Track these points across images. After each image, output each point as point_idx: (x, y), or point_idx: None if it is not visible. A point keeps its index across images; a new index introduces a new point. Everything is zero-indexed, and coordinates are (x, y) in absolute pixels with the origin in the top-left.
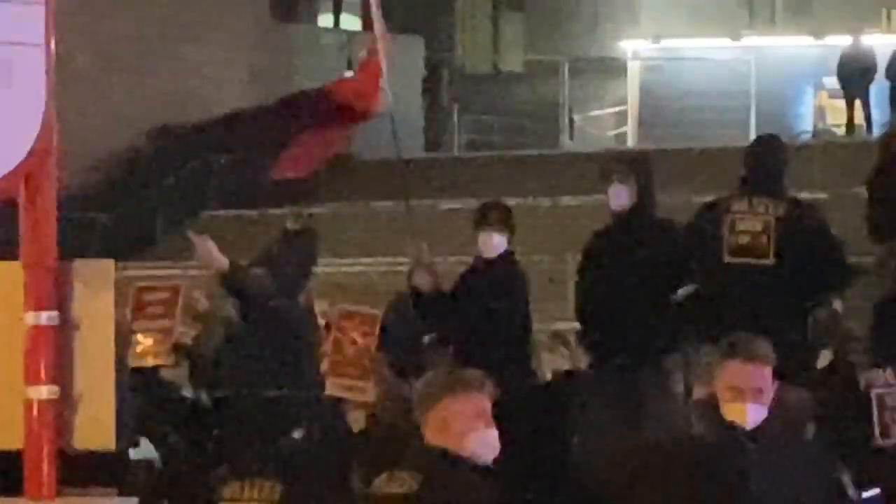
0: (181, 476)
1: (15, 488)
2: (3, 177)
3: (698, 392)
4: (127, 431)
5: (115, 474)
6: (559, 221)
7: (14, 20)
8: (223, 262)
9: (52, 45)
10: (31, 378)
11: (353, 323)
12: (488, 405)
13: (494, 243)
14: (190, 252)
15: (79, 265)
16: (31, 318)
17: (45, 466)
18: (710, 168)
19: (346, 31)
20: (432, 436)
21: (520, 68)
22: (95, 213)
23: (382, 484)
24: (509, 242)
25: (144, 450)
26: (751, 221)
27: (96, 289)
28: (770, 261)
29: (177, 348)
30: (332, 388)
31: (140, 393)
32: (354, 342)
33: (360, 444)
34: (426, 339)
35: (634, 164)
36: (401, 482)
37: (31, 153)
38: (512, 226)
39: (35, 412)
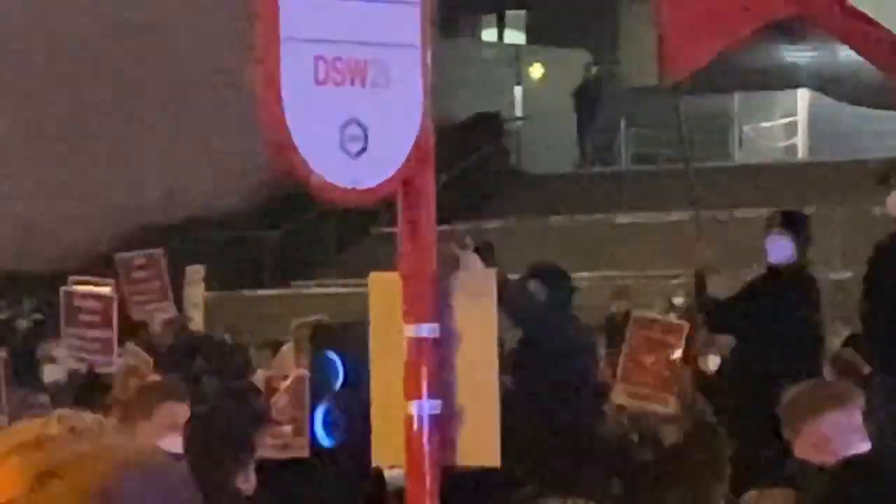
0: None
1: None
2: (381, 183)
3: None
4: None
5: None
6: (736, 233)
7: (389, 21)
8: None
9: (426, 46)
10: (412, 392)
11: (653, 331)
12: (861, 418)
13: (779, 247)
14: (367, 267)
15: (460, 275)
16: (410, 330)
17: (427, 483)
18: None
19: (509, 46)
20: (806, 451)
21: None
22: (265, 230)
23: (753, 501)
24: (801, 251)
25: None
26: None
27: (477, 299)
28: None
29: None
30: (620, 396)
31: None
32: (654, 351)
33: (680, 457)
34: None
35: None
36: (772, 500)
37: (408, 158)
38: (801, 233)
39: (416, 428)
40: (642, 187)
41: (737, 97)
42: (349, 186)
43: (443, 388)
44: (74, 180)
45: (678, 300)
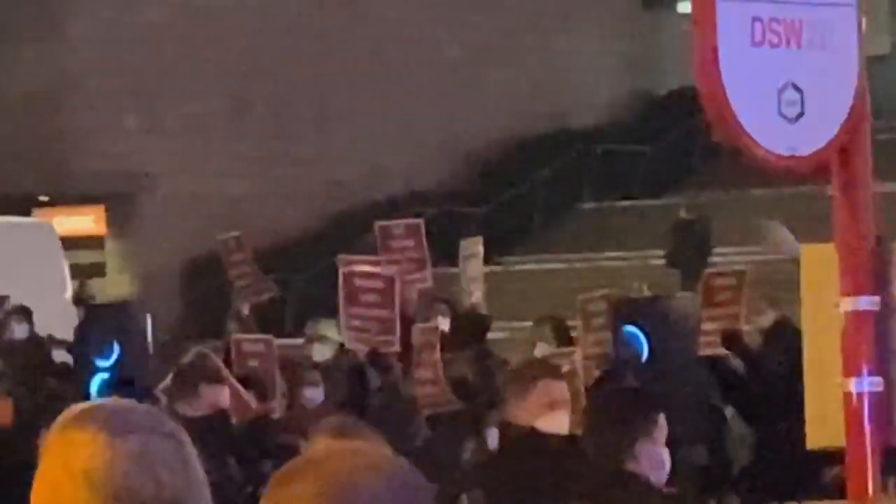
0: None
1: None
2: (817, 150)
3: None
4: None
5: None
6: None
7: None
8: (797, 249)
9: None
10: (851, 369)
11: None
12: None
13: None
14: (570, 244)
15: None
16: (848, 303)
17: (868, 466)
18: None
19: None
20: None
21: (887, 50)
22: (471, 206)
23: None
24: None
25: None
26: None
27: None
28: None
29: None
30: None
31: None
32: None
33: None
34: None
35: None
36: None
37: (844, 124)
38: None
39: (855, 406)
40: None
41: None
42: (786, 153)
43: (883, 364)
44: (279, 158)
45: None
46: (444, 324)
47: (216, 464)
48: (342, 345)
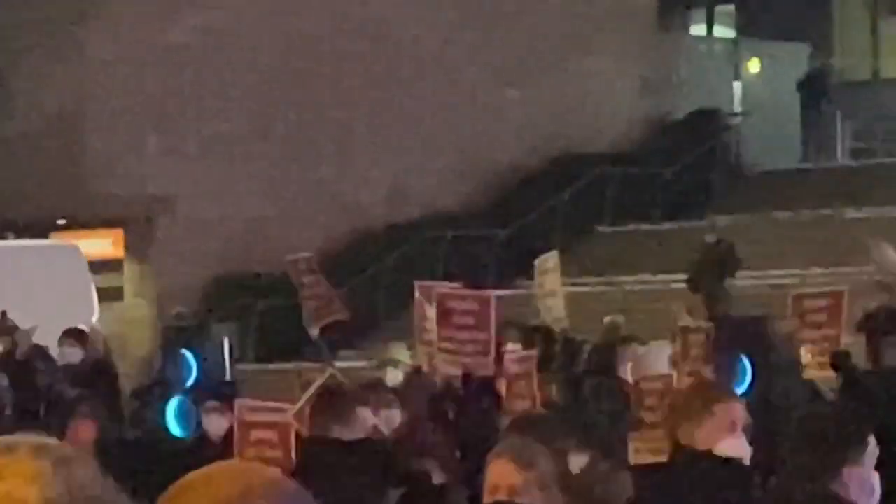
0: None
1: None
2: None
3: None
4: None
5: None
6: None
7: None
8: None
9: None
10: None
11: None
12: None
13: None
14: (589, 267)
15: None
16: None
17: None
18: None
19: (718, 40)
20: None
21: (868, 76)
22: (490, 228)
23: None
24: None
25: None
26: None
27: None
28: None
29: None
30: None
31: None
32: None
33: None
34: None
35: None
36: None
37: None
38: None
39: None
40: (862, 181)
41: None
42: None
43: None
44: (302, 180)
45: None
46: (517, 348)
47: (372, 489)
48: (415, 367)
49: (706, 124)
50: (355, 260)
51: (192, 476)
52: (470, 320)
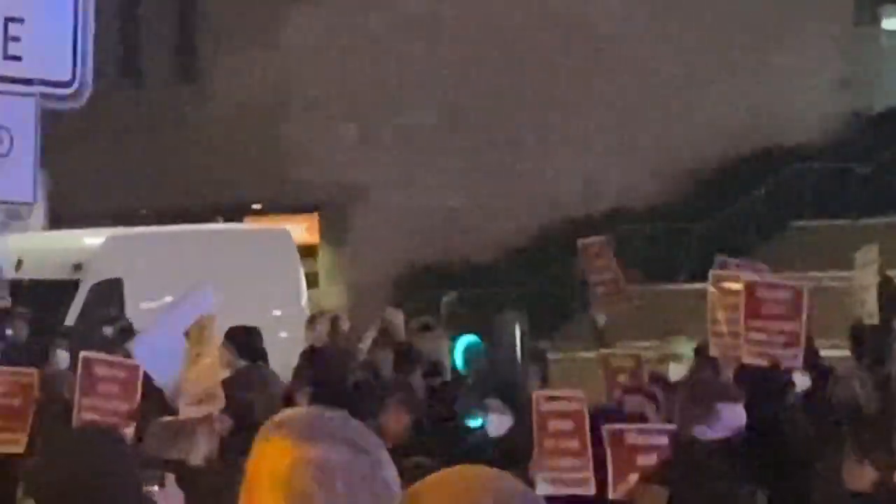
0: None
1: None
2: None
3: None
4: None
5: None
6: None
7: None
8: None
9: None
10: None
11: None
12: None
13: None
14: (785, 261)
15: None
16: None
17: None
18: None
19: None
20: None
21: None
22: (689, 223)
23: None
24: None
25: None
26: None
27: None
28: None
29: None
30: None
31: None
32: None
33: None
34: None
35: None
36: None
37: None
38: None
39: None
40: None
41: None
42: None
43: None
44: (496, 171)
45: None
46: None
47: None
48: (698, 361)
49: None
50: (549, 252)
51: (427, 480)
52: (781, 310)
